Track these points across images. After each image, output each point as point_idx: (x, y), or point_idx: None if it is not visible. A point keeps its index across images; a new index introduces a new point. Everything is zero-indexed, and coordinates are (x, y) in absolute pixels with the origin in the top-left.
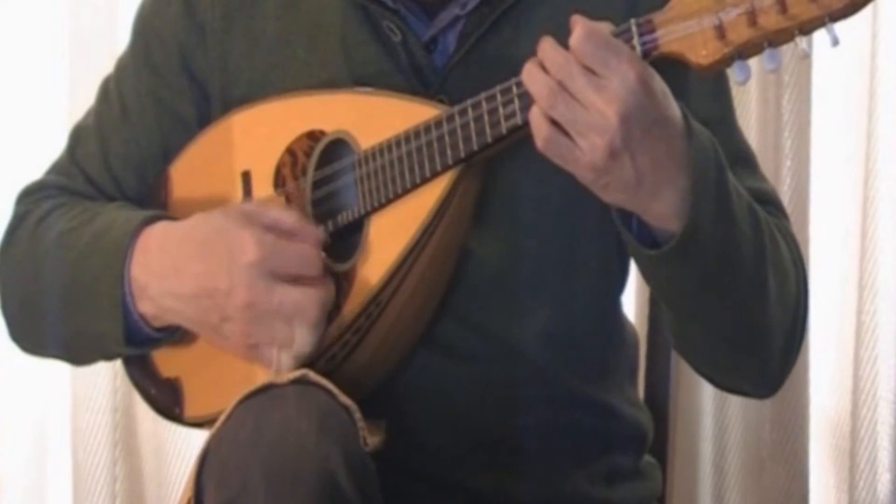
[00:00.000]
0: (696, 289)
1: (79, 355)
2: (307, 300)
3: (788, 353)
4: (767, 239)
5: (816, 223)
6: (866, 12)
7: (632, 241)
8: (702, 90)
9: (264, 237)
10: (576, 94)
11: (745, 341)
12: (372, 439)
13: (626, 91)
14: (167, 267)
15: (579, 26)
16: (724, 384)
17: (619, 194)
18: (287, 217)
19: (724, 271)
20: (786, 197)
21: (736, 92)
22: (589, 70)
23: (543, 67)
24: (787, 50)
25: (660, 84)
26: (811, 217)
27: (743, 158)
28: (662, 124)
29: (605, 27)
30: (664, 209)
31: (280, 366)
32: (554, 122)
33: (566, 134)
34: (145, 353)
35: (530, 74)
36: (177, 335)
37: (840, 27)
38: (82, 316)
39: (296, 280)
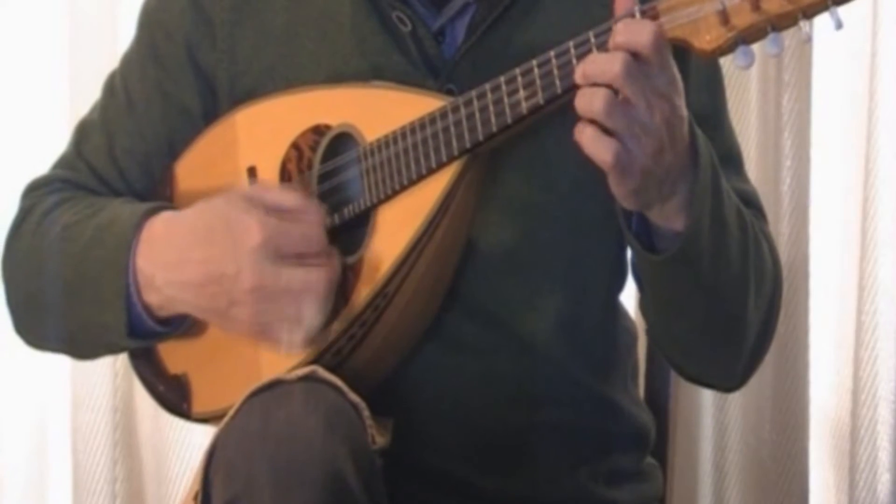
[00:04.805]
0: (688, 288)
1: (82, 349)
2: (313, 278)
3: (758, 350)
4: (751, 241)
5: (816, 223)
6: (866, 12)
7: (637, 246)
8: (695, 84)
9: (267, 220)
10: (633, 98)
11: (722, 336)
12: (379, 438)
13: (673, 90)
14: (172, 257)
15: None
16: (692, 375)
17: (647, 195)
18: (288, 197)
19: (714, 271)
20: (786, 197)
21: (736, 91)
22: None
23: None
24: (788, 47)
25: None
26: (811, 217)
27: (729, 157)
28: (683, 120)
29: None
30: (674, 206)
31: (291, 344)
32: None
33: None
34: (150, 347)
35: (583, 96)
36: (181, 328)
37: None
38: (86, 308)
39: (301, 259)
